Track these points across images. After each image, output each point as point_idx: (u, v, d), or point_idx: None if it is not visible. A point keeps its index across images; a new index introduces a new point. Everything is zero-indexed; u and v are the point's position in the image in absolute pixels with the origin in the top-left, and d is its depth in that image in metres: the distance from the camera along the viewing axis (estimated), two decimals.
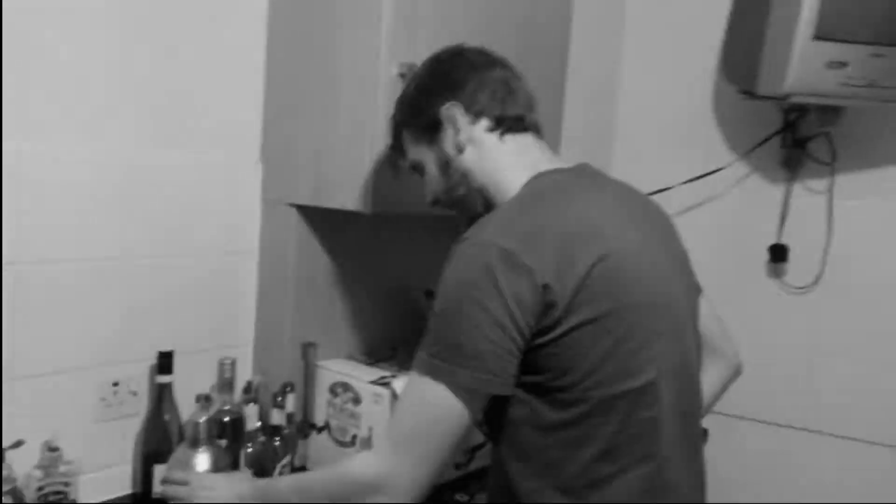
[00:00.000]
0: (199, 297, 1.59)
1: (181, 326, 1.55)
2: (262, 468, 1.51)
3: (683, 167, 2.00)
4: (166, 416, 1.45)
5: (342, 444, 1.63)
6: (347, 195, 1.47)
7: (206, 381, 1.55)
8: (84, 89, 1.38)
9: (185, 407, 1.46)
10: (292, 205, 1.61)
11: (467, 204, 1.19)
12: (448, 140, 1.16)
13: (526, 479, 1.06)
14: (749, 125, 2.01)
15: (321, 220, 1.66)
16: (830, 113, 1.76)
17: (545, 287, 0.95)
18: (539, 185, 1.09)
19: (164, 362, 1.43)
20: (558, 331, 0.97)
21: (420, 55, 1.41)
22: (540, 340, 0.98)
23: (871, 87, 1.58)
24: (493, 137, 1.15)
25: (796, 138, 1.92)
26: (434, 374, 0.98)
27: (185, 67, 1.52)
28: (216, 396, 1.41)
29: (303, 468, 1.68)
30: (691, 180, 2.00)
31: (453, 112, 1.14)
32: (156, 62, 1.47)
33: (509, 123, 1.15)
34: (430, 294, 1.93)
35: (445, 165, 1.17)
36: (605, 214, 1.07)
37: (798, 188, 2.00)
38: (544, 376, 1.00)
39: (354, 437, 1.60)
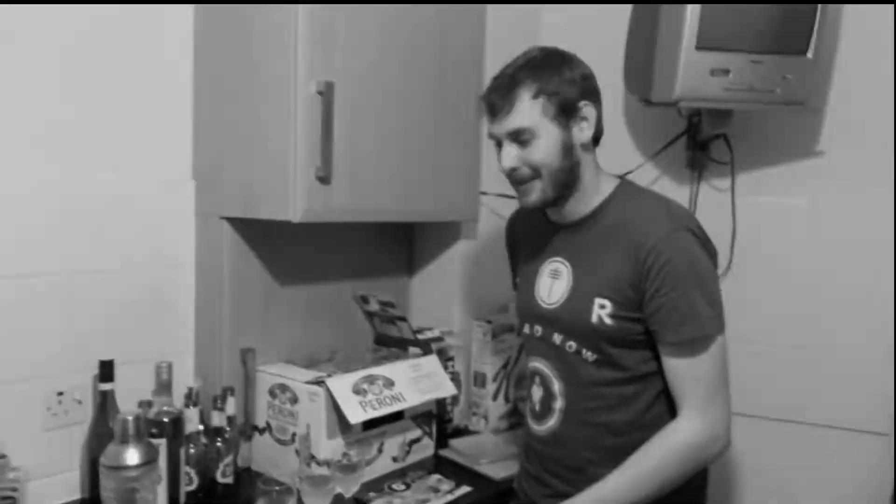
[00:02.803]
0: (140, 309, 1.67)
1: (123, 337, 1.63)
2: (205, 468, 1.59)
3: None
4: (110, 423, 1.52)
5: (282, 442, 1.72)
6: (274, 206, 1.56)
7: (148, 389, 1.63)
8: (21, 112, 1.47)
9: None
10: (224, 217, 1.71)
11: (562, 186, 1.38)
12: (577, 130, 1.35)
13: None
14: (657, 131, 2.15)
15: (253, 231, 1.76)
16: (721, 116, 1.91)
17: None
18: (639, 187, 1.46)
19: (105, 371, 1.51)
20: None
21: (337, 73, 1.54)
22: None
23: (751, 91, 1.72)
24: (591, 145, 1.41)
25: (698, 141, 2.07)
26: (722, 327, 1.30)
27: (118, 91, 1.61)
28: (156, 401, 1.49)
29: (247, 469, 1.76)
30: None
31: (592, 112, 1.36)
32: (91, 87, 1.56)
33: (599, 137, 1.42)
34: (364, 299, 2.04)
35: (569, 149, 1.36)
36: None
37: (704, 187, 2.14)
38: None
39: (293, 434, 1.69)
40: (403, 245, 2.21)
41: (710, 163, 2.11)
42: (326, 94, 1.50)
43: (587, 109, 1.35)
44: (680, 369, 1.30)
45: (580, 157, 1.37)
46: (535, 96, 1.33)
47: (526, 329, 1.51)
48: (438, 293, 2.17)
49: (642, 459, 1.31)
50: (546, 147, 1.34)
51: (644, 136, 2.21)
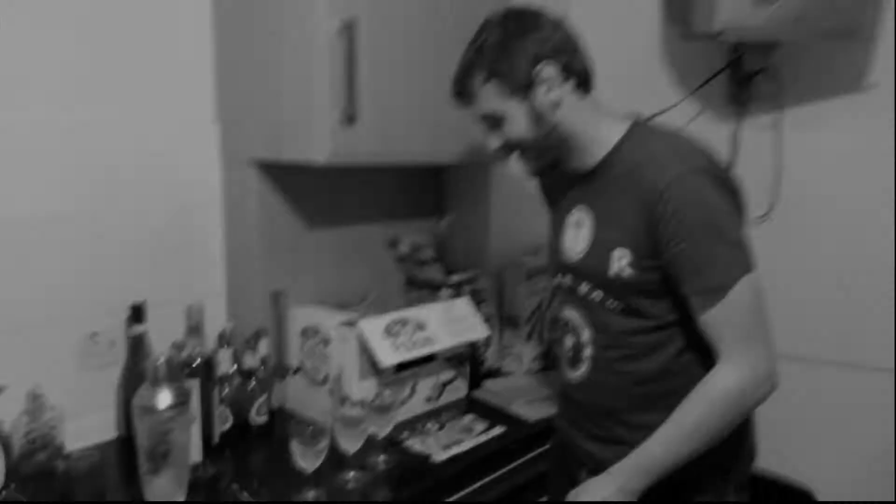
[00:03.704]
0: (169, 251, 1.68)
1: (154, 280, 1.64)
2: (239, 408, 1.61)
3: (635, 107, 2.06)
4: (143, 365, 1.54)
5: (315, 382, 1.73)
6: (298, 148, 1.54)
7: (182, 331, 1.64)
8: (41, 54, 1.45)
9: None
10: (251, 160, 1.69)
11: (550, 151, 1.36)
12: (541, 96, 1.30)
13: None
14: (696, 65, 2.06)
15: (280, 174, 1.74)
16: (766, 49, 1.81)
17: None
18: (652, 128, 1.37)
19: (136, 313, 1.52)
20: None
21: (359, 9, 1.49)
22: None
23: (799, 21, 1.62)
24: (577, 94, 1.33)
25: (741, 75, 1.98)
26: (748, 266, 1.23)
27: (139, 34, 1.59)
28: (189, 342, 1.50)
29: (281, 409, 1.78)
30: (646, 120, 2.05)
31: (551, 71, 1.29)
32: (111, 29, 1.54)
33: (587, 82, 1.35)
34: (393, 244, 2.02)
35: (538, 117, 1.32)
36: None
37: (747, 123, 2.06)
38: None
39: (326, 376, 1.70)
40: (433, 186, 2.18)
41: (753, 99, 2.03)
42: (349, 30, 1.46)
43: (545, 70, 1.29)
44: (709, 318, 1.24)
45: (558, 118, 1.32)
46: (486, 80, 1.32)
47: (557, 278, 1.49)
48: (470, 235, 2.15)
49: (686, 413, 1.26)
50: (516, 124, 1.33)
51: (683, 71, 2.12)
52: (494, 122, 1.35)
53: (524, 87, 1.30)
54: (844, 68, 1.91)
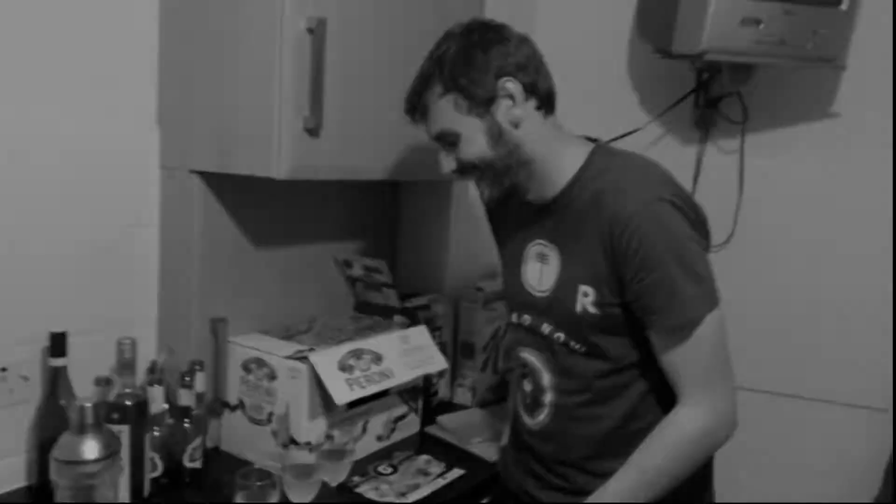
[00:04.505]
0: (96, 273, 1.48)
1: (76, 305, 1.45)
2: (170, 452, 1.43)
3: (600, 129, 1.99)
4: (62, 402, 1.34)
5: (257, 422, 1.55)
6: (255, 160, 1.37)
7: (106, 364, 1.45)
8: None
9: (85, 391, 1.35)
10: (194, 171, 1.51)
11: (509, 175, 1.23)
12: (502, 113, 1.20)
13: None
14: (662, 86, 2.00)
15: (227, 187, 1.57)
16: (742, 72, 1.76)
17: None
18: (614, 152, 1.27)
19: (57, 344, 1.32)
20: None
21: (328, 9, 1.34)
22: None
23: (782, 45, 1.58)
24: (539, 115, 1.23)
25: (708, 98, 1.93)
26: (714, 302, 1.15)
27: (73, 26, 1.39)
28: (116, 379, 1.31)
29: (216, 449, 1.60)
30: (608, 142, 1.98)
31: (513, 88, 1.19)
32: (43, 21, 1.35)
33: (550, 103, 1.24)
34: (347, 264, 1.87)
35: (498, 136, 1.20)
36: None
37: (710, 148, 2.01)
38: None
39: (270, 414, 1.53)
40: (388, 205, 2.04)
41: (718, 123, 1.98)
42: (318, 31, 1.30)
43: (508, 85, 1.19)
44: (672, 357, 1.17)
45: (518, 137, 1.21)
46: (443, 94, 1.20)
47: (514, 318, 1.37)
48: (425, 257, 2.02)
49: (644, 458, 1.19)
50: (473, 143, 1.21)
51: (647, 92, 2.05)
52: (450, 140, 1.22)
53: (484, 103, 1.19)
54: (812, 96, 1.89)
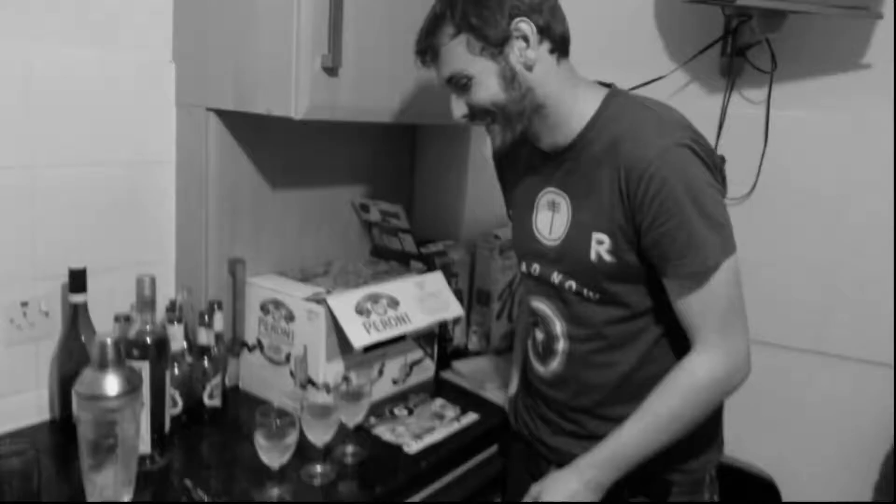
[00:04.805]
0: (114, 211, 1.48)
1: (95, 243, 1.45)
2: (190, 390, 1.44)
3: (623, 75, 1.94)
4: (82, 338, 1.35)
5: (275, 362, 1.57)
6: (272, 100, 1.36)
7: (126, 301, 1.46)
8: None
9: (105, 328, 1.36)
10: (211, 109, 1.49)
11: (521, 119, 1.20)
12: (515, 55, 1.16)
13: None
14: (690, 33, 1.95)
15: (244, 126, 1.55)
16: (774, 18, 1.70)
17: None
18: (629, 97, 1.25)
19: (77, 280, 1.33)
20: None
21: None
22: None
23: None
24: (552, 59, 1.20)
25: (737, 46, 1.87)
26: (731, 248, 1.15)
27: None
28: (136, 316, 1.31)
29: (235, 388, 1.62)
30: (631, 89, 1.94)
31: (527, 28, 1.16)
32: None
33: (564, 46, 1.21)
34: (364, 208, 1.86)
35: (511, 79, 1.17)
36: None
37: (736, 98, 1.96)
38: None
39: (288, 355, 1.54)
40: (405, 148, 2.01)
41: (746, 72, 1.92)
42: None
43: (521, 26, 1.16)
44: (688, 303, 1.16)
45: (532, 81, 1.19)
46: (456, 34, 1.16)
47: (523, 267, 1.37)
48: (443, 202, 2.00)
49: (659, 402, 1.19)
50: (485, 86, 1.18)
51: (673, 39, 2.00)
52: (461, 84, 1.19)
53: (497, 44, 1.16)
54: (843, 46, 1.83)
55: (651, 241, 1.15)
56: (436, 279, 1.73)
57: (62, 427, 1.36)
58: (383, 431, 1.49)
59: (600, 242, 1.20)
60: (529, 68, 1.18)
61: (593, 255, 1.21)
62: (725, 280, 1.15)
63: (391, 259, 1.86)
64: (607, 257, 1.20)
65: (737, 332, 1.18)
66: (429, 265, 1.80)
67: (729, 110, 1.96)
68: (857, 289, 1.88)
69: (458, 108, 1.22)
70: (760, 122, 1.93)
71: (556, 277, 1.28)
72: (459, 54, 1.17)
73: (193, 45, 1.49)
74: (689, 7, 1.74)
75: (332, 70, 1.33)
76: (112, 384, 1.13)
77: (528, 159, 1.33)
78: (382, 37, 1.45)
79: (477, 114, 1.22)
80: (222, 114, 1.50)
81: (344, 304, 1.50)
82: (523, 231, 1.35)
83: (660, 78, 1.92)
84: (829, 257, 1.90)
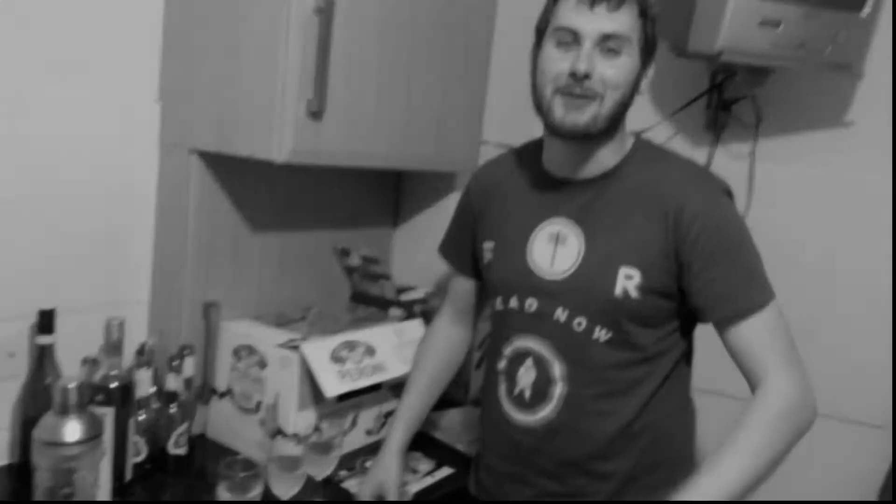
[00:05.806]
0: (89, 250, 1.45)
1: (67, 282, 1.41)
2: (155, 437, 1.40)
3: None
4: (48, 380, 1.31)
5: (246, 410, 1.52)
6: (255, 142, 1.34)
7: (95, 343, 1.41)
8: None
9: (73, 371, 1.32)
10: (194, 150, 1.47)
11: (611, 119, 1.17)
12: (645, 72, 1.19)
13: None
14: (675, 86, 1.96)
15: (226, 168, 1.53)
16: (758, 74, 1.72)
17: None
18: (658, 145, 1.30)
19: (45, 321, 1.29)
20: None
21: None
22: None
23: (800, 49, 1.54)
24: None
25: (722, 100, 1.88)
26: (772, 293, 1.16)
27: None
28: (103, 359, 1.28)
29: (201, 436, 1.57)
30: None
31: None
32: None
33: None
34: (345, 252, 1.83)
35: (636, 84, 1.19)
36: None
37: (721, 152, 1.97)
38: None
39: (259, 403, 1.50)
40: (389, 194, 2.00)
41: (730, 126, 1.93)
42: (326, 12, 1.27)
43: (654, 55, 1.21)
44: (752, 333, 1.13)
45: (640, 85, 1.20)
46: (641, 14, 1.15)
47: (512, 303, 1.28)
48: (424, 249, 1.97)
49: (749, 434, 1.08)
50: (626, 68, 1.15)
51: (659, 92, 2.01)
52: (612, 48, 1.13)
53: (647, 51, 1.18)
54: (827, 103, 1.85)
55: (706, 280, 1.13)
56: (414, 326, 1.70)
57: (19, 472, 1.31)
58: (353, 485, 1.44)
59: (629, 277, 1.16)
60: (639, 90, 1.20)
61: (618, 290, 1.16)
62: (781, 314, 1.16)
63: (371, 305, 1.83)
64: (634, 293, 1.16)
65: (802, 366, 1.15)
66: (408, 312, 1.77)
67: (714, 163, 1.97)
68: (843, 347, 1.87)
69: (586, 62, 1.11)
70: (744, 176, 1.94)
71: (560, 314, 1.21)
72: (634, 29, 1.14)
73: (179, 86, 1.47)
74: (676, 61, 1.75)
75: (316, 114, 1.31)
76: (72, 430, 1.09)
77: (529, 186, 1.29)
78: (368, 81, 1.44)
79: (596, 81, 1.13)
80: (205, 155, 1.48)
81: (319, 351, 1.47)
82: (510, 264, 1.27)
83: (646, 130, 1.92)
84: (813, 314, 1.89)
